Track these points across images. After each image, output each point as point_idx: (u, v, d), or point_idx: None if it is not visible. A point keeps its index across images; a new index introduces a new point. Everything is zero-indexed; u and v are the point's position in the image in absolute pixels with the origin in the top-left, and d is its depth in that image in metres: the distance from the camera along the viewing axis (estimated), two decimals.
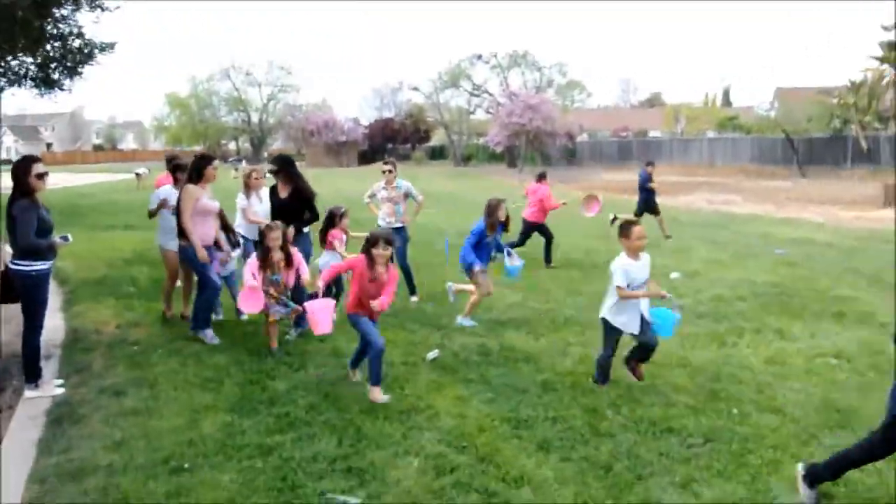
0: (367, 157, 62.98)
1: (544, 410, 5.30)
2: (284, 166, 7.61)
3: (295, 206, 7.50)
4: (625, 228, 5.75)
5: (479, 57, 56.05)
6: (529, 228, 12.03)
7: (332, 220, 7.82)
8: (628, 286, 5.62)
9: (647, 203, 15.49)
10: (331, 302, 5.88)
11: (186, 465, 4.36)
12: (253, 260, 6.71)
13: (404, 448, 4.62)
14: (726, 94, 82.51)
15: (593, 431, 4.92)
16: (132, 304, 8.54)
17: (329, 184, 28.77)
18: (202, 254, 6.76)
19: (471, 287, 7.94)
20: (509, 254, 8.27)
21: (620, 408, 5.36)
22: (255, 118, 71.62)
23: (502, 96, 53.30)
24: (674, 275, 10.58)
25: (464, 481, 4.17)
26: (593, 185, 30.65)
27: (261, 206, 8.12)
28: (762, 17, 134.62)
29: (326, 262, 7.60)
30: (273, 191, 7.69)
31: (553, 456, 4.53)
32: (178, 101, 71.00)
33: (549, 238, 11.89)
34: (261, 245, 6.83)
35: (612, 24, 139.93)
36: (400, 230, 8.85)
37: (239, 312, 7.65)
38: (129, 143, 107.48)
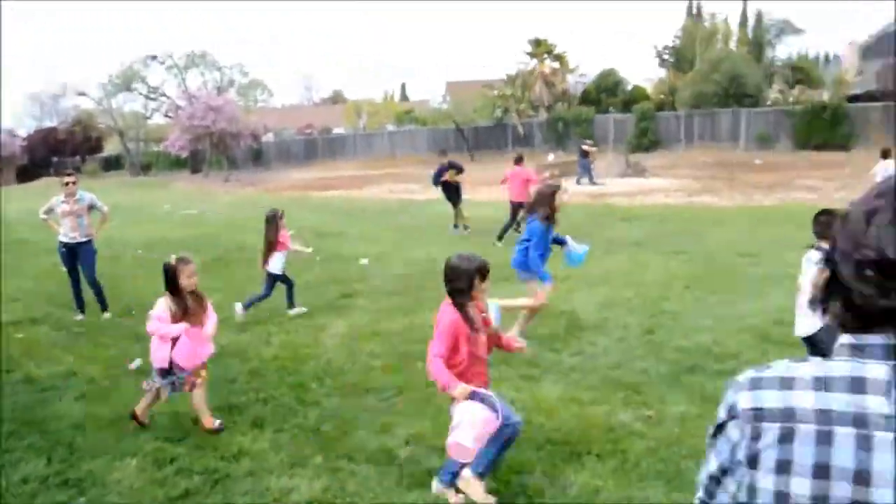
0: (28, 173, 55.95)
1: (255, 394, 5.72)
2: None
3: None
4: (831, 221, 4.72)
5: (154, 57, 52.86)
6: (517, 208, 13.08)
7: (275, 222, 8.09)
8: None
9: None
10: (492, 424, 3.58)
11: None
12: (159, 312, 4.99)
13: (120, 452, 4.74)
14: (403, 89, 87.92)
15: (301, 403, 5.48)
16: None
17: None
18: None
19: (519, 302, 7.01)
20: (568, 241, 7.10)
21: (324, 380, 5.99)
22: None
23: (181, 98, 50.88)
24: (363, 261, 11.50)
25: (185, 467, 4.47)
26: (281, 186, 31.12)
27: None
28: (436, 16, 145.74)
29: (281, 266, 8.15)
30: None
31: (267, 430, 4.99)
32: None
33: (514, 218, 13.29)
34: (170, 287, 5.06)
35: (294, 22, 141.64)
36: (86, 244, 8.54)
37: None
38: None
